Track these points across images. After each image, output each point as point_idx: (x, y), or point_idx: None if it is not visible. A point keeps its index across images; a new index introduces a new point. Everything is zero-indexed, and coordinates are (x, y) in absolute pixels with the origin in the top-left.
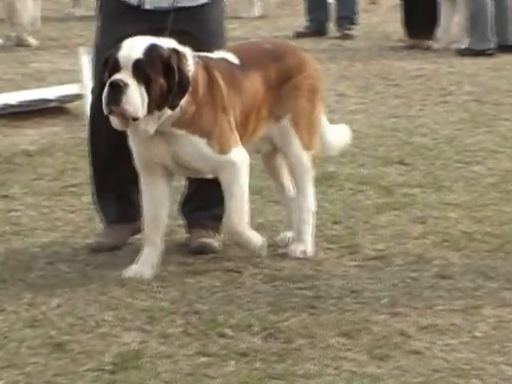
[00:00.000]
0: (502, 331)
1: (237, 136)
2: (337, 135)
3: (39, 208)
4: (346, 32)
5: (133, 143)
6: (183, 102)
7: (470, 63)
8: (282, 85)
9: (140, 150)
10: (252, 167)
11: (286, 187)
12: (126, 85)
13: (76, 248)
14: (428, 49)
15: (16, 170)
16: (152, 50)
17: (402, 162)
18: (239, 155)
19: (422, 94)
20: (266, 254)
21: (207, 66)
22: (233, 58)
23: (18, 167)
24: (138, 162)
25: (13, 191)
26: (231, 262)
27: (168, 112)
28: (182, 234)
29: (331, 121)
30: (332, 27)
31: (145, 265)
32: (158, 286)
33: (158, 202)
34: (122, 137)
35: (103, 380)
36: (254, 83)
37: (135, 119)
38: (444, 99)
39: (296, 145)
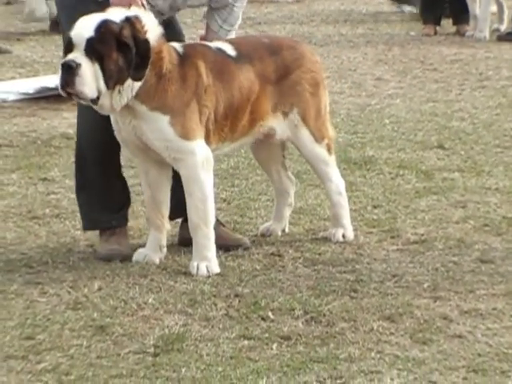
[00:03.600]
0: None
1: (203, 132)
2: None
3: None
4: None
5: (113, 125)
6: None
7: (507, 48)
8: (282, 79)
9: (117, 132)
10: (291, 151)
11: (276, 179)
12: (78, 65)
13: None
14: (464, 35)
15: (55, 152)
16: (103, 26)
17: (441, 147)
18: (202, 149)
19: (460, 78)
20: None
21: (192, 52)
22: (230, 50)
23: (57, 150)
24: (122, 146)
25: (52, 174)
26: (272, 245)
27: (131, 84)
28: (220, 218)
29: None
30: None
31: (151, 249)
32: None
33: (154, 183)
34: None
35: (146, 362)
36: (249, 76)
37: (93, 100)
38: (482, 84)
39: (307, 137)
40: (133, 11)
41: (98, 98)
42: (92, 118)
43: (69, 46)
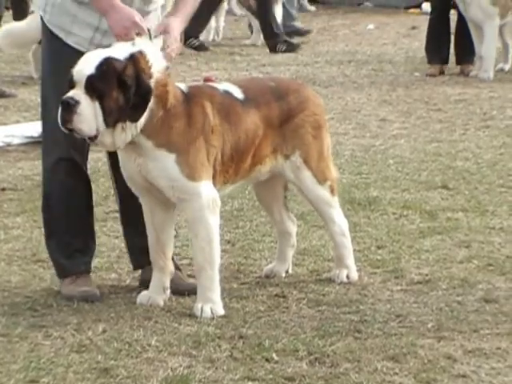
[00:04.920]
0: None
1: (210, 172)
2: None
3: None
4: None
5: (120, 162)
6: (151, 104)
7: (511, 88)
8: (285, 123)
9: (124, 169)
10: (295, 192)
11: (278, 220)
12: (77, 103)
13: (120, 273)
14: (468, 75)
15: None
16: (105, 63)
17: (445, 187)
18: (209, 190)
19: (464, 118)
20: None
21: (198, 93)
22: (238, 93)
23: None
24: (128, 184)
25: None
26: (276, 286)
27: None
28: (225, 259)
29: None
30: None
31: (155, 291)
32: None
33: (159, 224)
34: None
35: None
36: (255, 120)
37: (91, 138)
38: (486, 124)
39: (310, 180)
40: (138, 45)
41: (96, 135)
42: (63, 177)
43: (71, 83)
